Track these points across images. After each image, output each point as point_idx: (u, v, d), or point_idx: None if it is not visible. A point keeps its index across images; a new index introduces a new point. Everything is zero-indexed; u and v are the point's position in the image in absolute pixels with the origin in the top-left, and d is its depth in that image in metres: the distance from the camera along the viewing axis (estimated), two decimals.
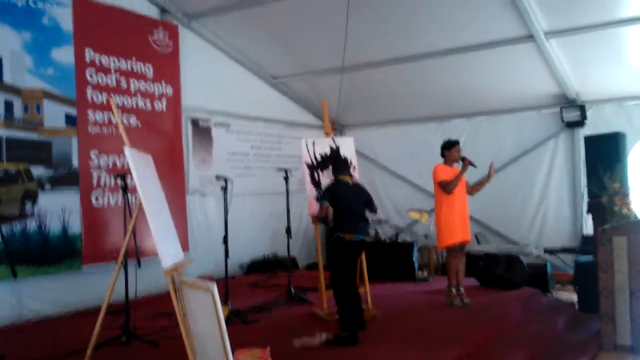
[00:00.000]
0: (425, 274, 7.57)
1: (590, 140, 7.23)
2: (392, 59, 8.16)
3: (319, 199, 5.02)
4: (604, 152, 6.77)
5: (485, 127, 9.27)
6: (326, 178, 5.59)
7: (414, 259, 7.46)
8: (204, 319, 3.38)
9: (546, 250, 7.81)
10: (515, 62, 7.72)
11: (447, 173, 5.78)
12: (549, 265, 7.36)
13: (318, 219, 5.27)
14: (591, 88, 8.07)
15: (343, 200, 4.89)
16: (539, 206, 8.78)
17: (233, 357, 3.98)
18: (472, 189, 6.04)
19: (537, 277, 7.06)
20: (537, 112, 8.80)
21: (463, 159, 5.82)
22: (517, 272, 6.65)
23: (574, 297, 6.75)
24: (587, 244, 7.39)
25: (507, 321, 5.41)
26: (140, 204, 3.55)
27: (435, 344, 4.40)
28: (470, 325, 5.04)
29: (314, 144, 5.71)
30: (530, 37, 7.03)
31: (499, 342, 4.79)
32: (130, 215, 4.12)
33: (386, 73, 8.53)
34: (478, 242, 8.58)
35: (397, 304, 5.97)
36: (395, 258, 7.54)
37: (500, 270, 6.71)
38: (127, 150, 3.57)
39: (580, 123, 8.28)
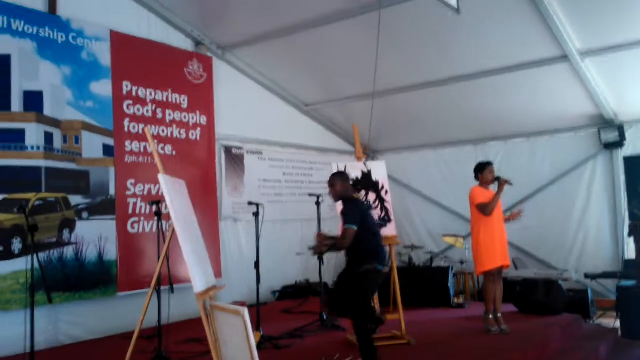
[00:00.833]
0: (462, 300, 7.40)
1: (630, 161, 7.05)
2: (423, 82, 8.17)
3: (346, 220, 4.24)
4: None
5: (521, 149, 9.13)
6: None
7: (450, 284, 7.32)
8: (236, 343, 3.39)
9: (587, 276, 7.55)
10: (551, 82, 7.63)
11: (485, 195, 5.68)
12: (589, 290, 7.13)
13: (328, 248, 4.30)
14: (629, 108, 7.89)
15: (369, 222, 4.41)
16: (579, 230, 8.54)
17: None
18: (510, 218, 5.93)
19: (578, 303, 6.85)
20: (574, 133, 8.63)
21: (498, 179, 5.72)
22: (557, 298, 6.45)
23: (616, 323, 6.49)
24: (629, 268, 7.14)
25: (547, 349, 5.24)
26: (173, 229, 3.60)
27: None
28: (509, 353, 4.89)
29: (345, 168, 5.70)
30: (564, 57, 6.95)
31: None
32: (164, 242, 4.18)
33: (418, 97, 8.53)
34: (516, 268, 8.37)
35: (432, 331, 5.85)
36: (430, 284, 7.41)
37: (539, 295, 6.52)
38: (162, 177, 3.65)
39: (619, 144, 8.07)
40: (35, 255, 3.75)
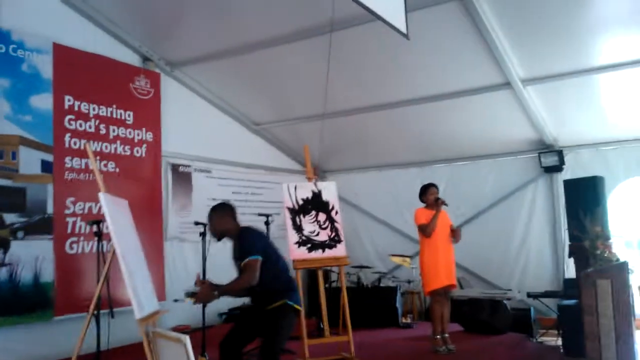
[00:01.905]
0: (409, 319, 7.43)
1: (569, 184, 7.30)
2: (372, 105, 8.25)
3: (246, 253, 3.55)
4: (584, 196, 6.82)
5: (465, 172, 9.34)
6: (307, 223, 5.53)
7: (397, 304, 7.35)
8: None
9: (529, 295, 7.74)
10: (494, 108, 7.86)
11: (426, 217, 5.77)
12: (532, 309, 7.30)
13: (219, 295, 3.53)
14: (568, 134, 8.21)
15: (275, 253, 3.80)
16: (521, 250, 8.77)
17: None
18: (454, 235, 6.00)
19: (521, 322, 7.00)
20: (516, 157, 8.91)
21: (437, 200, 5.83)
22: (502, 317, 6.58)
23: (558, 341, 6.66)
24: (570, 288, 7.35)
25: None
26: (114, 250, 3.45)
27: None
28: None
29: (295, 188, 5.67)
30: (507, 84, 7.18)
31: None
32: (104, 263, 4.01)
33: (366, 119, 8.62)
34: (461, 287, 8.48)
35: (381, 351, 5.85)
36: (377, 303, 7.43)
37: (484, 315, 6.64)
38: (102, 196, 3.50)
39: (558, 168, 8.38)
40: None
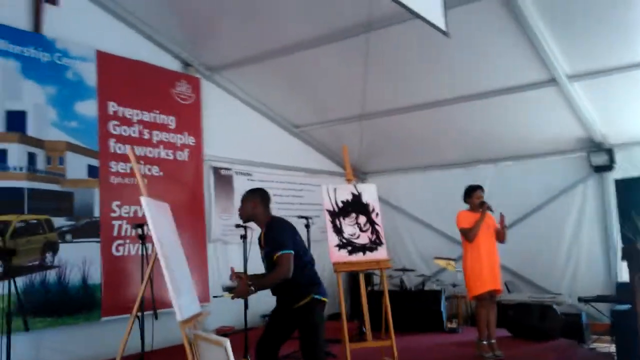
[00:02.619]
0: (455, 324, 7.26)
1: (621, 184, 7.03)
2: (412, 105, 8.13)
3: (279, 246, 3.53)
4: (637, 196, 6.54)
5: (511, 173, 9.09)
6: (347, 226, 5.46)
7: (442, 308, 7.19)
8: None
9: (580, 299, 7.46)
10: (540, 106, 7.61)
11: (469, 220, 5.62)
12: (583, 314, 7.03)
13: (257, 288, 3.53)
14: (618, 131, 7.89)
15: (303, 246, 3.83)
16: (571, 253, 8.48)
17: None
18: (500, 238, 5.82)
19: (572, 327, 6.75)
20: (564, 156, 8.62)
21: (482, 204, 5.65)
22: (552, 323, 6.35)
23: (611, 348, 6.39)
24: (623, 292, 7.05)
25: None
26: (156, 254, 3.48)
27: None
28: None
29: (335, 190, 5.62)
30: (552, 80, 6.95)
31: None
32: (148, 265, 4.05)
33: (408, 119, 8.49)
34: (509, 291, 8.27)
35: (425, 357, 5.73)
36: (422, 307, 7.29)
37: (533, 320, 6.42)
38: (144, 200, 3.53)
39: (609, 167, 8.07)
40: (12, 281, 3.60)
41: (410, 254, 10.00)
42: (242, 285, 3.41)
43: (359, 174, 10.39)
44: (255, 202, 3.82)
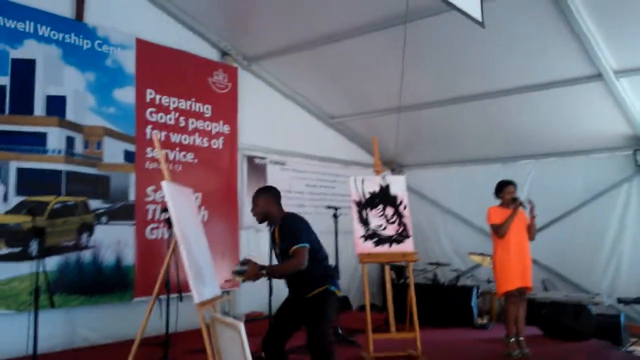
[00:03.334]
0: (486, 320, 7.14)
1: None
2: (451, 98, 7.99)
3: (295, 240, 3.54)
4: None
5: (553, 169, 8.85)
6: (374, 217, 5.44)
7: (473, 304, 7.08)
8: (234, 357, 3.30)
9: (620, 300, 7.20)
10: (584, 101, 7.37)
11: (500, 215, 5.49)
12: (622, 316, 6.78)
13: (266, 273, 3.54)
14: None
15: (317, 241, 3.77)
16: (612, 252, 8.19)
17: None
18: (529, 233, 5.66)
19: (609, 328, 6.51)
20: (609, 154, 8.32)
21: (514, 200, 5.50)
22: (585, 323, 6.15)
23: None
24: None
25: None
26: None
27: None
28: None
29: (362, 181, 5.60)
30: (599, 75, 6.69)
31: None
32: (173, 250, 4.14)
33: (445, 112, 8.36)
34: (545, 289, 8.07)
35: (451, 352, 5.66)
36: (453, 302, 7.20)
37: (566, 319, 6.23)
38: (165, 185, 3.61)
39: None
40: (42, 260, 3.76)
41: (445, 249, 9.88)
42: (253, 268, 3.44)
43: (396, 167, 10.31)
44: (269, 201, 3.83)
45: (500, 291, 5.53)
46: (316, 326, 3.54)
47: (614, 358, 5.86)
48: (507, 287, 5.41)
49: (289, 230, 3.64)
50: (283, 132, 8.43)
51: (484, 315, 7.62)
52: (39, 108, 5.60)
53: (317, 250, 3.70)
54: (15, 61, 5.49)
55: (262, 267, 3.48)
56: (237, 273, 3.44)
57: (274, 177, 8.20)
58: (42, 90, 5.63)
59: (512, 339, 5.45)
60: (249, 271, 3.43)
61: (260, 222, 3.90)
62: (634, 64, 6.48)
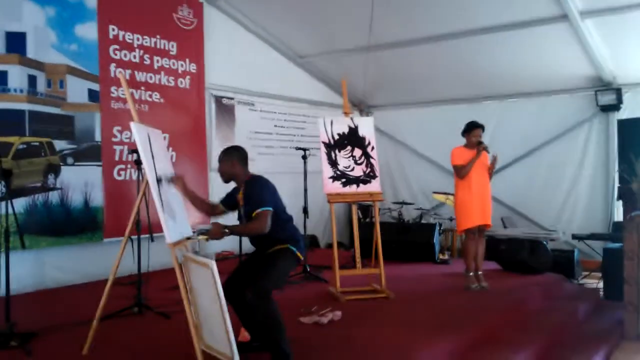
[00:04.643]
0: (447, 256, 7.45)
1: (623, 124, 6.98)
2: (420, 38, 7.97)
3: (258, 203, 3.52)
4: (638, 137, 6.50)
5: (517, 109, 9.04)
6: (342, 158, 5.53)
7: (435, 241, 7.36)
8: (206, 294, 3.41)
9: (574, 237, 7.58)
10: (549, 42, 7.44)
11: (463, 157, 5.64)
12: (576, 251, 7.17)
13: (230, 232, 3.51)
14: (629, 71, 7.73)
15: (282, 204, 3.76)
16: (571, 191, 8.54)
17: (240, 332, 4.04)
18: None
19: (563, 263, 6.89)
20: (571, 95, 8.50)
21: (479, 143, 5.64)
22: (541, 258, 6.48)
23: (599, 284, 6.57)
24: (618, 231, 7.14)
25: (525, 307, 5.30)
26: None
27: (447, 327, 4.30)
28: (486, 310, 4.94)
29: (332, 123, 5.65)
30: (564, 16, 6.76)
31: (515, 329, 4.68)
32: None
33: (415, 53, 8.36)
34: (504, 226, 8.40)
35: (413, 286, 5.91)
36: (415, 239, 7.46)
37: (523, 255, 6.55)
38: (134, 126, 3.58)
39: (615, 107, 7.96)
40: (10, 202, 3.74)
41: (412, 188, 10.12)
42: (217, 228, 3.46)
43: (364, 108, 10.35)
44: (233, 162, 3.76)
45: (460, 228, 5.76)
46: (262, 273, 3.54)
47: (566, 290, 6.24)
48: (466, 224, 5.63)
49: (253, 193, 3.63)
50: (251, 71, 8.32)
51: (445, 251, 7.94)
52: None
53: (280, 212, 3.71)
54: None
55: (226, 227, 3.51)
56: (201, 232, 3.48)
57: (242, 118, 8.18)
58: (0, 26, 5.41)
59: (471, 273, 5.72)
60: (213, 230, 3.43)
61: (226, 181, 3.87)
62: (600, 4, 6.53)
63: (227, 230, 3.48)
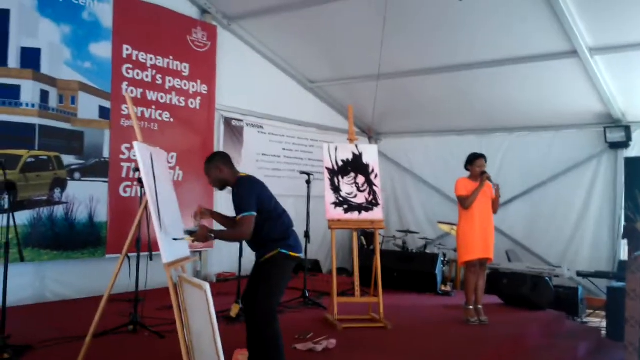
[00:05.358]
0: (449, 288, 7.39)
1: (630, 162, 6.95)
2: (429, 68, 8.07)
3: (241, 209, 3.53)
4: None
5: (525, 143, 9.06)
6: (345, 184, 5.55)
7: (437, 271, 7.31)
8: (200, 316, 3.41)
9: (579, 274, 7.50)
10: (558, 77, 7.50)
11: (467, 188, 5.63)
12: (580, 289, 7.08)
13: (214, 237, 3.58)
14: (638, 108, 7.74)
15: (270, 203, 3.71)
16: (577, 227, 8.48)
17: (233, 355, 4.03)
18: (493, 206, 5.82)
19: (567, 300, 6.82)
20: (580, 130, 8.51)
21: (482, 173, 5.64)
22: (543, 294, 6.40)
23: (603, 323, 6.47)
24: (623, 270, 7.06)
25: (523, 343, 5.23)
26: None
27: None
28: (483, 344, 4.89)
29: (336, 149, 5.68)
30: (574, 52, 6.82)
31: None
32: (145, 209, 4.19)
33: (425, 82, 8.44)
34: (509, 260, 8.34)
35: (412, 317, 5.87)
36: (418, 269, 7.41)
37: (525, 290, 6.48)
38: (137, 145, 3.64)
39: (624, 144, 7.96)
40: (12, 214, 3.79)
41: (418, 217, 10.12)
42: (203, 231, 3.48)
43: (373, 134, 10.41)
44: (218, 167, 3.76)
45: (461, 260, 5.72)
46: (258, 293, 3.58)
47: (567, 327, 6.15)
48: (468, 256, 5.60)
49: (237, 197, 3.64)
50: (262, 94, 8.41)
51: (448, 282, 7.88)
52: (13, 60, 5.53)
53: (271, 210, 3.70)
54: None
55: (212, 231, 3.55)
56: (188, 233, 3.52)
57: (251, 140, 8.24)
58: (16, 41, 5.54)
59: (471, 307, 5.67)
60: (199, 233, 3.47)
61: (220, 189, 3.92)
62: (610, 42, 6.58)
63: (212, 235, 3.51)
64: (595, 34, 6.52)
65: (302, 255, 3.80)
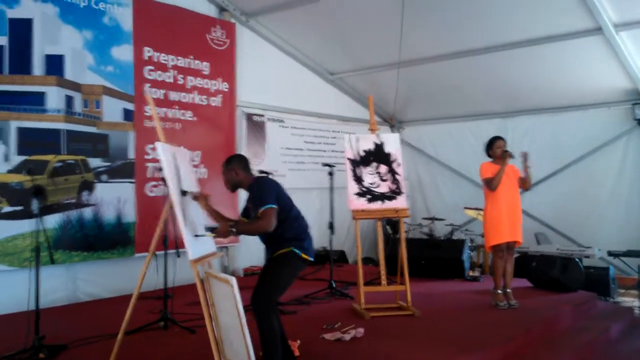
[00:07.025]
0: (477, 273, 7.34)
1: None
2: (450, 53, 7.99)
3: (262, 202, 3.56)
4: None
5: (552, 123, 8.92)
6: (367, 175, 5.55)
7: (464, 257, 7.27)
8: (228, 309, 3.48)
9: (610, 254, 7.37)
10: (584, 55, 7.37)
11: (492, 170, 5.57)
12: (611, 269, 6.98)
13: (236, 231, 3.60)
14: None
15: (288, 203, 3.79)
16: (608, 207, 8.35)
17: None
18: (523, 185, 5.73)
19: (598, 281, 6.74)
20: (607, 108, 8.35)
21: (504, 153, 5.56)
22: (573, 275, 6.31)
23: (635, 302, 6.36)
24: None
25: (555, 325, 5.17)
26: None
27: (472, 345, 4.24)
28: (513, 328, 4.83)
29: (357, 139, 5.68)
30: (598, 29, 6.70)
31: (543, 347, 4.59)
32: (170, 207, 4.27)
33: (445, 67, 8.36)
34: (538, 243, 8.24)
35: (440, 303, 5.84)
36: (445, 256, 7.37)
37: (555, 272, 6.40)
38: (159, 145, 3.71)
39: None
40: (40, 218, 3.91)
41: (444, 204, 10.05)
42: (224, 226, 3.56)
43: (395, 123, 10.36)
44: (236, 169, 3.84)
45: (488, 245, 5.66)
46: (262, 284, 3.65)
47: (599, 308, 6.06)
48: (494, 240, 5.54)
49: (256, 194, 3.70)
50: (282, 89, 8.46)
51: (476, 268, 7.82)
52: (38, 67, 5.68)
53: (288, 210, 3.76)
54: (13, 21, 5.54)
55: (233, 226, 3.59)
56: (210, 229, 3.59)
57: (273, 135, 8.30)
58: (40, 49, 5.69)
59: (500, 291, 5.62)
60: (220, 229, 3.55)
61: (232, 190, 3.96)
62: (634, 17, 6.46)
63: (233, 230, 3.56)
64: (620, 9, 6.41)
65: (312, 259, 3.81)
